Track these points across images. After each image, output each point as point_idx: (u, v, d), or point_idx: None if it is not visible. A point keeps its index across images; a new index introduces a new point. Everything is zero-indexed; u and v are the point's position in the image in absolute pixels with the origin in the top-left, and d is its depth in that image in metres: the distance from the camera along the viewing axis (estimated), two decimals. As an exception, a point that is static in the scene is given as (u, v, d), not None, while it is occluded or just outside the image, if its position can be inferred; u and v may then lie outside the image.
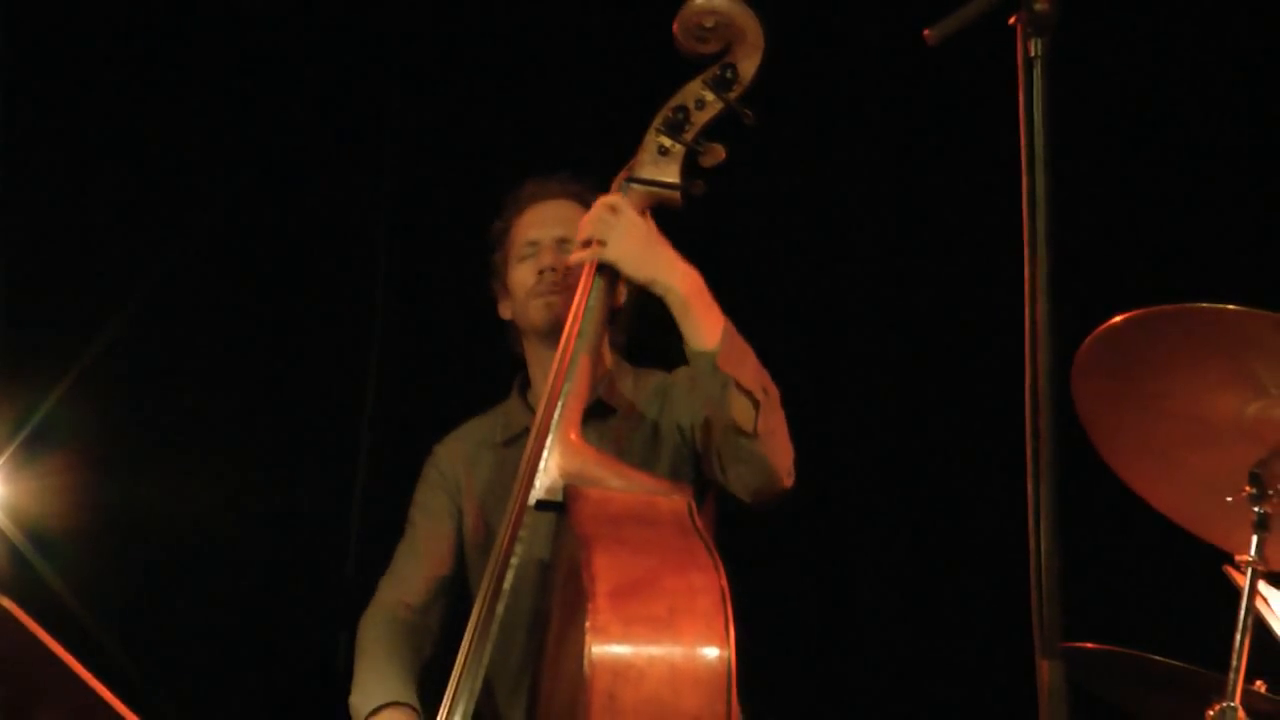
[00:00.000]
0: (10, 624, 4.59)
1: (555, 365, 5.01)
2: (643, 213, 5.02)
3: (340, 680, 5.87)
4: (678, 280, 4.96)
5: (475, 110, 6.88)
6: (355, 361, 6.75)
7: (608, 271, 5.01)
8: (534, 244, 5.36)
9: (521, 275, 5.37)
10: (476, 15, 6.96)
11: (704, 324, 4.94)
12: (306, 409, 6.73)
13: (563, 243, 5.30)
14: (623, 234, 4.97)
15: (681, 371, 5.26)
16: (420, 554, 5.42)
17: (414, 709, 5.17)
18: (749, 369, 4.94)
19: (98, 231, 6.67)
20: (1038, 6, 3.72)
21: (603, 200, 5.02)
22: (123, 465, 6.43)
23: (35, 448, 6.25)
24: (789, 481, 5.02)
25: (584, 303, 5.00)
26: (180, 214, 6.71)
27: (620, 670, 4.63)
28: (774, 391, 4.99)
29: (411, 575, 5.41)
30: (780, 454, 4.99)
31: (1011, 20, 3.76)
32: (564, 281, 5.23)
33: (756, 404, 4.93)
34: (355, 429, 6.68)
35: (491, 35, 6.94)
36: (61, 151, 6.70)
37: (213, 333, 6.72)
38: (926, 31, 3.83)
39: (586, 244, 5.04)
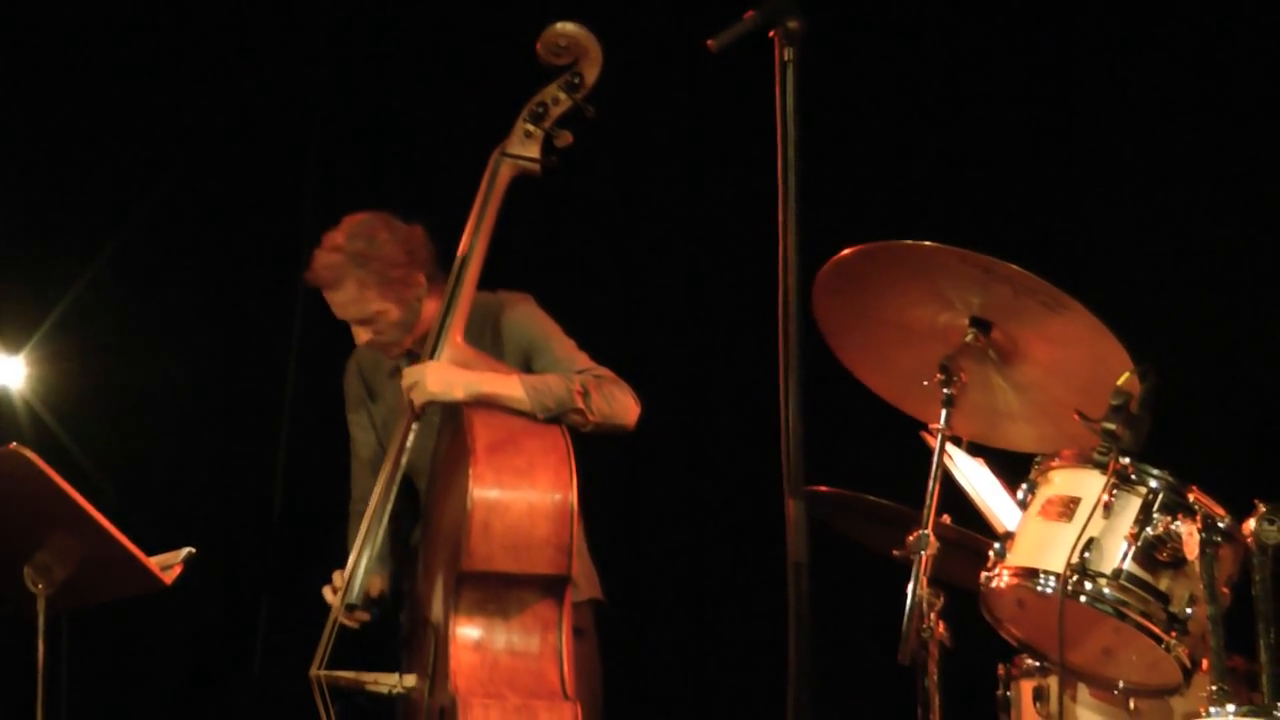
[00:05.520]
0: (33, 470, 4.61)
1: (444, 301, 5.13)
2: (509, 182, 5.11)
3: (276, 510, 5.94)
4: (476, 388, 5.03)
5: (395, 84, 6.80)
6: (290, 269, 6.68)
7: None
8: (344, 321, 5.30)
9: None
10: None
11: (510, 398, 5.02)
12: (251, 305, 6.67)
13: (362, 321, 5.22)
14: (426, 378, 5.03)
15: (503, 295, 5.29)
16: (360, 459, 5.47)
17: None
18: (556, 392, 5.03)
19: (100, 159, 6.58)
20: (790, 25, 3.80)
21: (409, 373, 5.09)
22: (121, 353, 6.36)
23: (53, 338, 6.18)
24: (634, 417, 5.14)
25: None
26: (155, 153, 6.61)
27: (492, 505, 4.79)
28: (582, 384, 5.06)
29: (363, 480, 5.42)
30: (619, 414, 5.12)
31: (771, 34, 3.80)
32: (384, 337, 5.24)
33: (579, 410, 5.01)
34: (289, 322, 6.63)
35: (412, 34, 6.86)
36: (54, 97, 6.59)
37: (186, 250, 6.64)
38: (709, 41, 3.87)
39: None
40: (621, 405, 5.11)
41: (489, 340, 5.24)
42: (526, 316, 5.27)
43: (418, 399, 5.05)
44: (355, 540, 5.22)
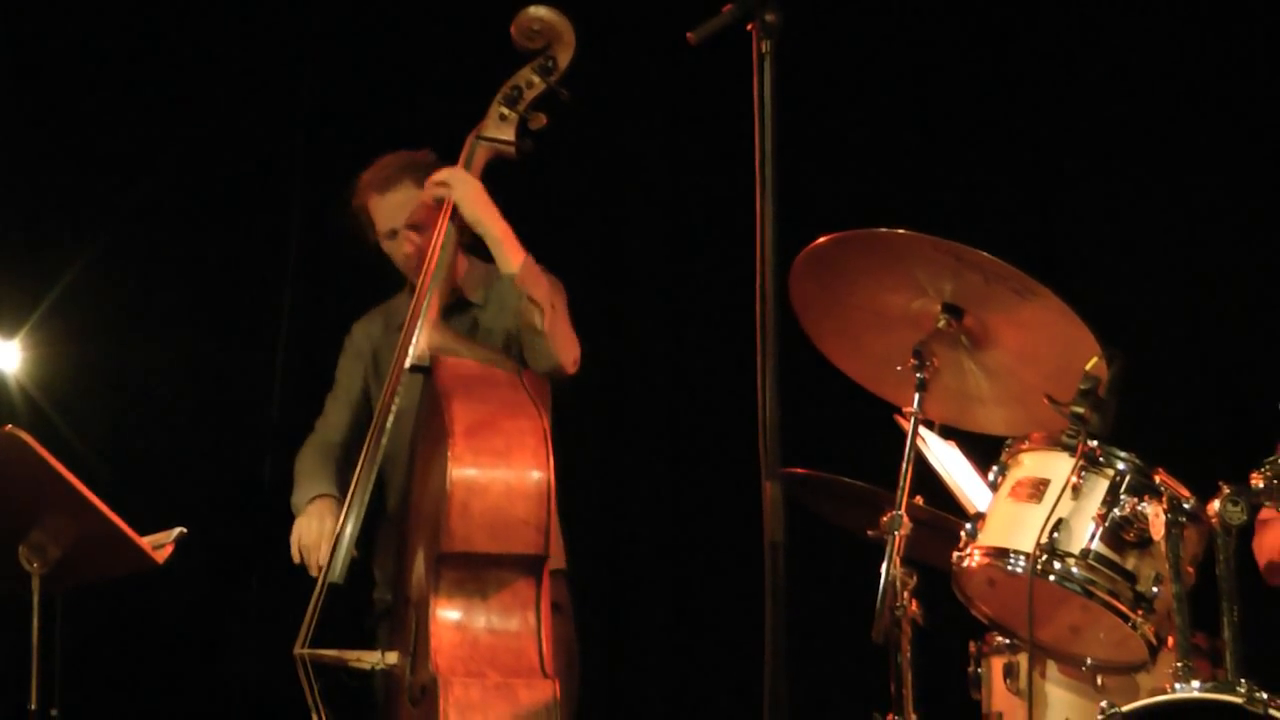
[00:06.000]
0: (27, 452, 4.62)
1: (421, 279, 5.17)
2: (485, 165, 5.17)
3: (264, 484, 5.92)
4: (493, 223, 5.12)
5: (378, 69, 6.80)
6: (279, 255, 6.69)
7: (457, 216, 5.15)
8: (393, 232, 5.39)
9: (391, 252, 5.43)
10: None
11: (509, 255, 5.10)
12: (241, 290, 6.67)
13: (411, 226, 5.34)
14: (462, 186, 5.13)
15: None
16: (342, 403, 5.55)
17: (336, 498, 5.30)
18: (541, 288, 5.09)
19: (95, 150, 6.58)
20: (767, 19, 3.82)
21: (448, 171, 5.18)
22: (115, 336, 6.36)
23: (48, 322, 6.18)
24: (573, 369, 5.17)
25: (441, 238, 5.17)
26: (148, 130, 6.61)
27: (471, 486, 4.78)
28: (561, 306, 5.14)
29: (336, 418, 5.54)
30: (564, 349, 5.14)
31: (749, 27, 3.83)
32: (424, 259, 5.28)
33: (543, 312, 5.04)
34: (278, 307, 6.63)
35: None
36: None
37: (180, 235, 6.63)
38: (689, 34, 3.89)
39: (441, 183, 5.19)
40: (571, 344, 5.15)
41: (494, 304, 5.32)
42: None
43: (440, 191, 5.15)
44: (306, 474, 5.37)
